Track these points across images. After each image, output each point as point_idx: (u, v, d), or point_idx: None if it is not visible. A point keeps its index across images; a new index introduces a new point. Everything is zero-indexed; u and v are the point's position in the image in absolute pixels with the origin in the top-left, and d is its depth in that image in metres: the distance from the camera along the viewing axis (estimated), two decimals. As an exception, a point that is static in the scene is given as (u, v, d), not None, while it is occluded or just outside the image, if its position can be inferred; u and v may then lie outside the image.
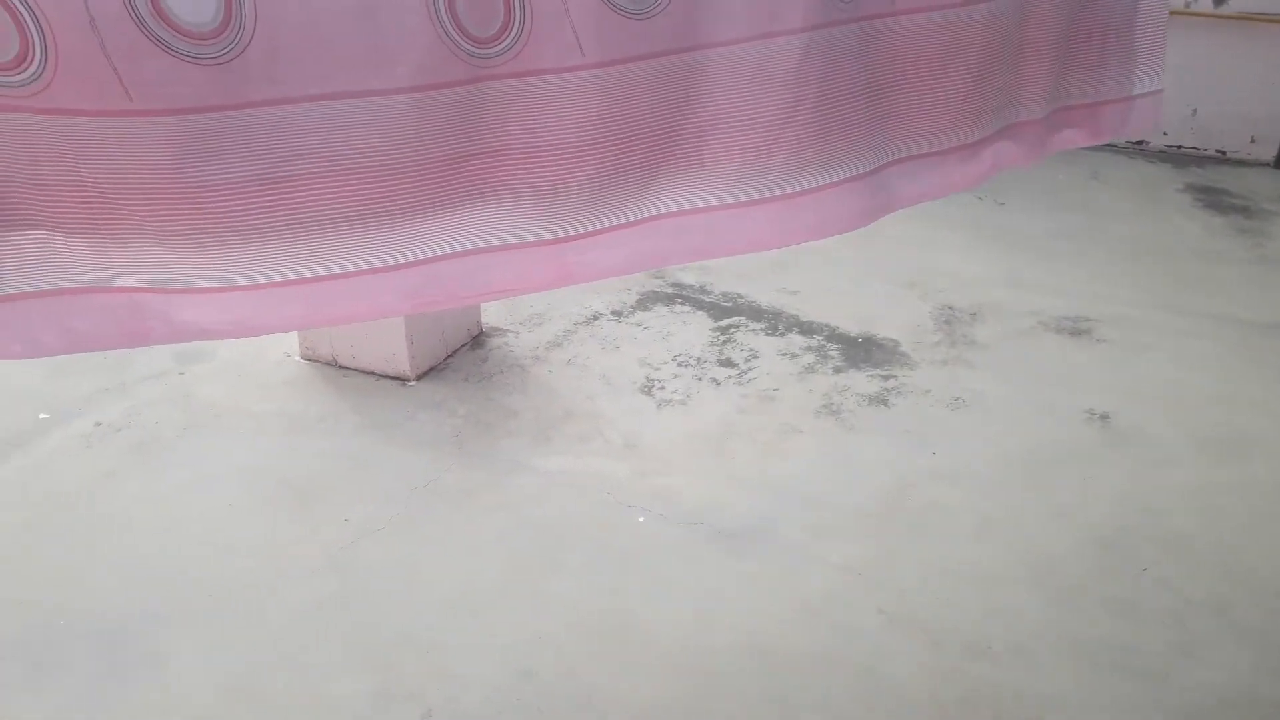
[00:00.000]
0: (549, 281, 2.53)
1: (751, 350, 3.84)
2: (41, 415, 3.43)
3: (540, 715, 2.33)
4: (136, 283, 2.12)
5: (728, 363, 3.76)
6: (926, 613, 2.61)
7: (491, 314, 4.05)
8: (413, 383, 3.65)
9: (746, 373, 3.69)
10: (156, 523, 2.93)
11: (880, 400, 3.52)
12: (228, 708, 2.34)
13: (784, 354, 3.81)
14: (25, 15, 1.80)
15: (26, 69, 1.86)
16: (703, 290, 4.30)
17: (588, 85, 2.24)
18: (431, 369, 3.75)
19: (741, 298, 4.23)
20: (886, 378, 3.65)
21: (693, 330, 4.00)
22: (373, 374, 3.70)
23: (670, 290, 4.31)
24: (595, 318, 4.09)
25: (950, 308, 4.15)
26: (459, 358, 3.83)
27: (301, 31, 2.02)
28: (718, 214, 2.52)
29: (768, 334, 3.95)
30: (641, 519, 2.94)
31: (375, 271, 2.30)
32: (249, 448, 3.28)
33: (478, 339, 3.97)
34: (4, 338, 2.08)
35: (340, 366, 3.75)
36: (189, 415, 3.44)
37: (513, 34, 2.17)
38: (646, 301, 4.22)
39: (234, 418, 3.44)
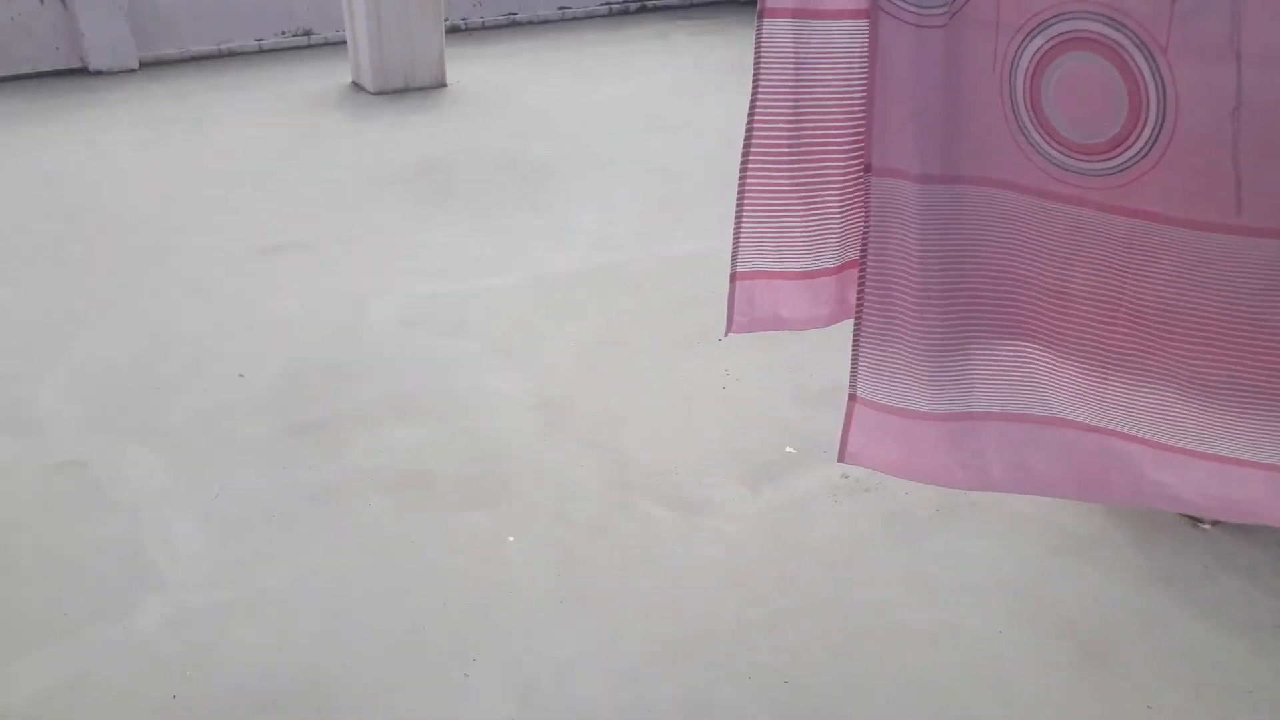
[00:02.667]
0: None
1: None
2: (788, 449, 3.34)
3: None
4: (1120, 426, 1.63)
5: None
6: None
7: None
8: (1207, 526, 2.92)
9: None
10: (922, 626, 2.61)
11: None
12: None
13: None
14: (1149, 85, 1.35)
15: (1118, 155, 1.40)
16: None
17: None
18: (1232, 512, 2.97)
19: None
20: None
21: None
22: (1152, 498, 3.04)
23: None
24: None
25: None
26: (1267, 505, 2.99)
27: None
28: None
29: None
30: None
31: None
32: (1013, 558, 2.83)
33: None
34: (948, 460, 1.75)
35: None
36: (939, 493, 3.10)
37: None
38: None
39: (990, 511, 3.01)
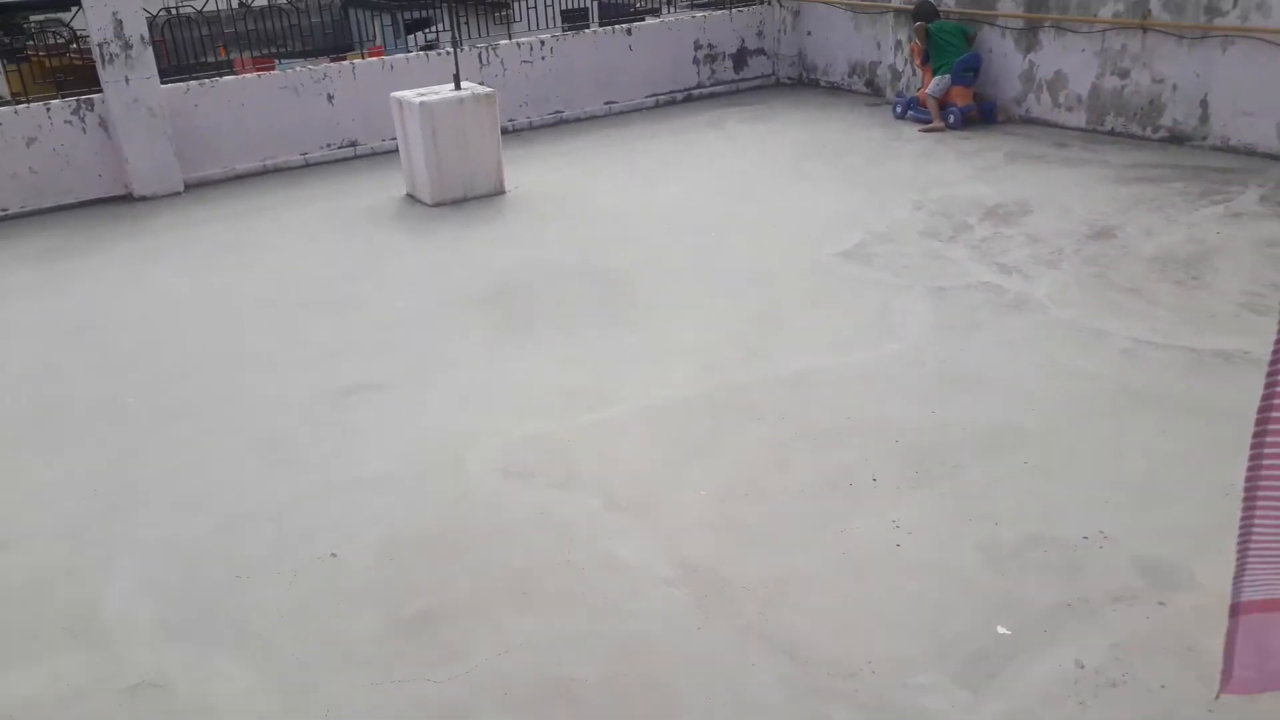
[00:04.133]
0: None
1: None
2: (1000, 630, 2.78)
3: None
4: None
5: None
6: None
7: None
8: None
9: None
10: None
11: None
12: None
13: None
14: None
15: None
16: None
17: None
18: None
19: None
20: None
21: None
22: None
23: None
24: None
25: None
26: None
27: None
28: None
29: None
30: None
31: None
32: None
33: None
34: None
35: None
36: (1207, 685, 2.52)
37: None
38: None
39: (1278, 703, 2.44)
